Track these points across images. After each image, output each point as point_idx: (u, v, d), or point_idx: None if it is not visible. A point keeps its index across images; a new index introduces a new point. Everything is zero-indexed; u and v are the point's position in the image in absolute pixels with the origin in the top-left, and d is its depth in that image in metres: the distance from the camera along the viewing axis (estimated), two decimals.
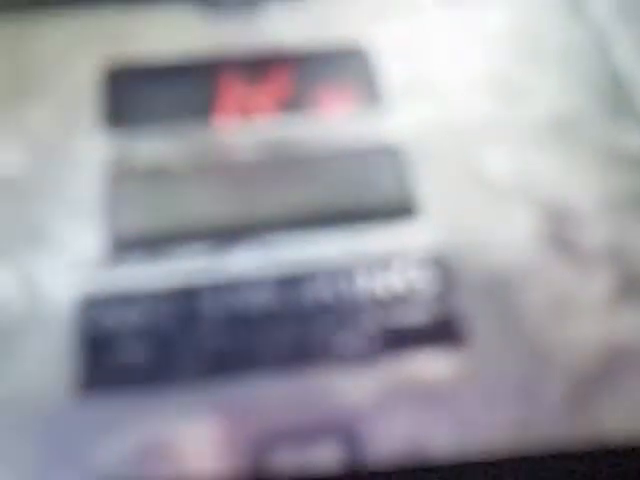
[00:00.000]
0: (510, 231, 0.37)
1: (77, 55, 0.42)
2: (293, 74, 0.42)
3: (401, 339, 0.34)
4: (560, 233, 0.37)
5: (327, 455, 0.32)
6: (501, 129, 0.40)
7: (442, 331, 0.35)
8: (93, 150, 0.39)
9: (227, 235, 0.37)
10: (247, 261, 0.36)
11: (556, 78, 0.42)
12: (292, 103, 0.41)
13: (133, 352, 0.34)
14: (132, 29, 0.44)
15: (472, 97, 0.42)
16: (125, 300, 0.35)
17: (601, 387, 0.33)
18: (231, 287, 0.36)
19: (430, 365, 0.34)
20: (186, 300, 0.35)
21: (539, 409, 0.33)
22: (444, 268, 0.36)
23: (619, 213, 0.38)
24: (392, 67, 0.43)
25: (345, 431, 0.32)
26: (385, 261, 0.36)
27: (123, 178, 0.38)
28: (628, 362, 0.34)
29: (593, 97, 0.42)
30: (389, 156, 0.39)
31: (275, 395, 0.33)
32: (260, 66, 0.43)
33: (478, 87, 0.42)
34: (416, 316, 0.35)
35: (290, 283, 0.36)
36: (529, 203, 0.38)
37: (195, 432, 0.32)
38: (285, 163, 0.39)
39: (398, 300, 0.35)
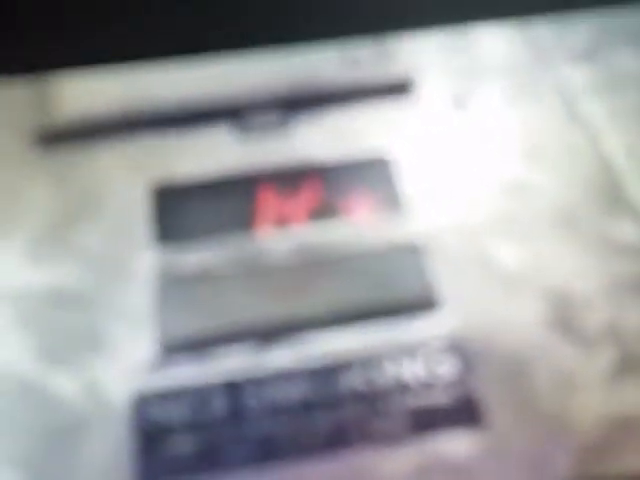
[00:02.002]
0: (521, 317, 0.40)
1: (127, 178, 0.46)
2: (322, 184, 0.46)
3: (426, 421, 0.37)
4: (565, 317, 0.39)
5: None
6: (509, 224, 0.43)
7: (463, 412, 0.37)
8: (144, 262, 0.42)
9: (267, 334, 0.40)
10: (286, 357, 0.39)
11: (557, 176, 0.45)
12: (322, 211, 0.44)
13: (184, 444, 0.36)
14: (175, 152, 0.47)
15: (483, 196, 0.44)
16: (175, 396, 0.38)
17: (605, 456, 0.35)
18: (272, 380, 0.38)
19: (452, 443, 0.36)
20: (230, 393, 0.38)
21: (552, 476, 0.35)
22: (463, 354, 0.39)
23: (618, 296, 0.40)
24: (410, 174, 0.46)
25: None
26: (410, 350, 0.39)
27: (172, 286, 0.41)
28: (630, 432, 0.36)
29: (590, 192, 0.44)
30: (410, 255, 0.42)
31: (317, 477, 0.35)
32: (292, 179, 0.46)
33: (488, 187, 0.45)
34: (439, 399, 0.37)
35: (326, 374, 0.38)
36: (537, 290, 0.40)
37: None
38: (317, 265, 0.42)
39: (423, 385, 0.38)
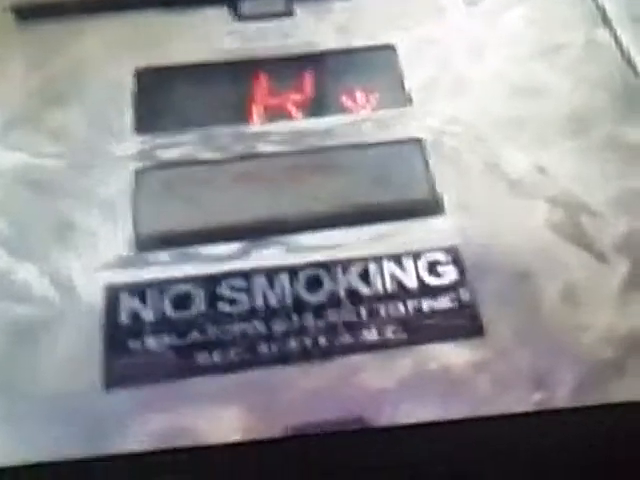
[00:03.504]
0: (528, 225, 0.37)
1: (112, 59, 0.43)
2: (322, 74, 0.43)
3: (422, 328, 0.35)
4: (575, 226, 0.37)
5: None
6: (519, 127, 0.41)
7: (461, 321, 0.35)
8: (124, 150, 0.40)
9: (255, 233, 0.37)
10: (275, 257, 0.37)
11: (573, 78, 0.43)
12: (321, 102, 0.42)
13: (157, 342, 0.34)
14: (166, 34, 0.44)
15: (492, 95, 0.42)
16: (149, 292, 0.36)
17: (609, 379, 0.33)
18: (257, 278, 0.36)
19: (448, 353, 0.34)
20: (210, 290, 0.35)
21: (552, 392, 0.33)
22: (464, 261, 0.36)
23: (632, 206, 0.38)
24: (417, 66, 0.43)
25: (368, 417, 0.32)
26: (409, 254, 0.37)
27: (151, 176, 0.39)
28: (637, 354, 0.34)
29: (608, 95, 0.42)
30: (414, 153, 0.40)
31: (302, 383, 0.33)
32: (290, 67, 0.43)
33: (498, 85, 0.42)
34: (437, 306, 0.35)
35: (317, 273, 0.36)
36: (545, 198, 0.38)
37: (221, 418, 0.32)
38: (313, 159, 0.39)
39: (420, 291, 0.36)
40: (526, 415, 0.32)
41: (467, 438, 0.31)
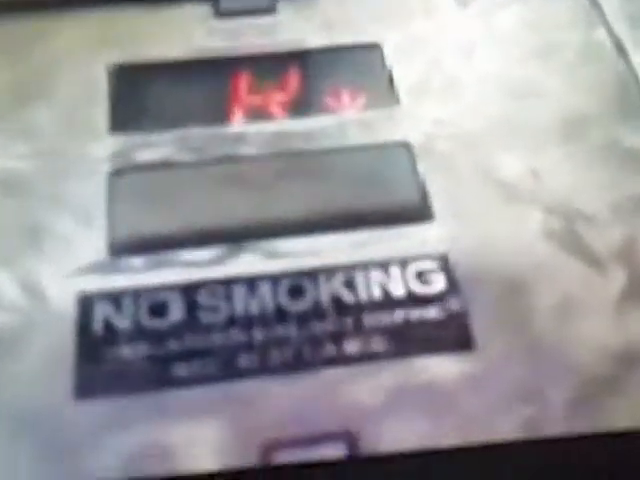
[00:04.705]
0: (522, 232, 0.36)
1: (86, 55, 0.42)
2: (306, 73, 0.42)
3: (409, 339, 0.33)
4: (571, 234, 0.36)
5: (330, 453, 0.31)
6: (512, 130, 0.40)
7: (450, 332, 0.34)
8: (98, 151, 0.39)
9: (234, 238, 0.36)
10: (255, 264, 0.35)
11: (570, 80, 0.42)
12: (305, 102, 0.41)
13: (131, 353, 0.33)
14: (142, 29, 0.43)
15: (485, 97, 0.41)
16: (123, 299, 0.34)
17: (609, 388, 0.32)
18: (237, 285, 0.35)
19: (436, 366, 0.33)
20: (188, 298, 0.34)
21: (544, 410, 0.32)
22: (454, 269, 0.35)
23: (629, 214, 0.37)
24: (405, 66, 0.42)
25: (351, 432, 0.31)
26: (396, 263, 0.36)
27: (126, 178, 0.38)
28: (635, 369, 0.33)
29: (606, 98, 0.41)
30: (402, 156, 0.39)
31: (283, 395, 0.32)
32: (272, 65, 0.42)
33: (491, 87, 0.41)
34: (425, 317, 0.34)
35: (304, 283, 0.35)
36: (540, 204, 0.37)
37: (198, 432, 0.31)
38: (296, 161, 0.38)
39: (408, 301, 0.34)
40: (518, 442, 0.31)
41: (457, 467, 0.30)
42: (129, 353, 0.33)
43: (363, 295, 0.34)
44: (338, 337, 0.33)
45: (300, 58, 0.42)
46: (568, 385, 0.32)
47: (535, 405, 0.32)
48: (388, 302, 0.34)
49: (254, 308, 0.34)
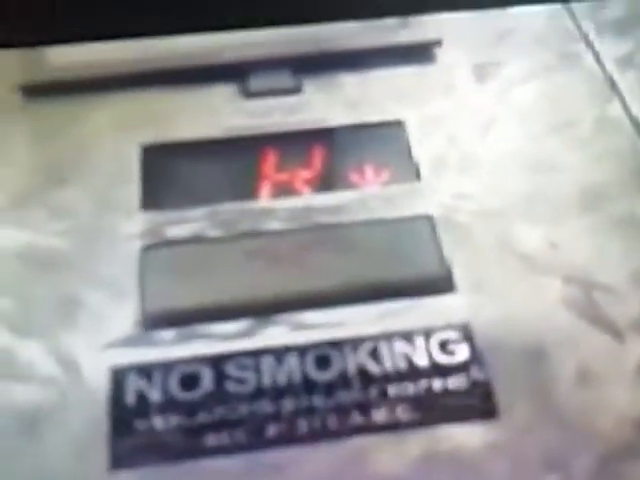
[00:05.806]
0: (542, 303, 0.37)
1: (117, 136, 0.43)
2: (330, 150, 0.43)
3: (435, 408, 0.34)
4: (591, 305, 0.37)
5: None
6: (531, 203, 0.40)
7: (475, 401, 0.34)
8: (130, 228, 0.40)
9: (262, 311, 0.37)
10: (282, 336, 0.36)
11: (586, 154, 0.42)
12: (330, 179, 0.42)
13: (164, 424, 0.34)
14: (171, 111, 0.44)
15: (503, 171, 0.42)
16: (155, 372, 0.35)
17: (629, 455, 0.32)
18: (265, 357, 0.35)
19: (461, 434, 0.33)
20: (217, 370, 0.35)
21: (568, 478, 0.32)
22: (478, 339, 0.36)
23: None
24: (426, 142, 0.43)
25: None
26: (420, 333, 0.36)
27: (157, 254, 0.38)
28: None
29: (621, 172, 0.41)
30: (425, 230, 0.39)
31: (313, 464, 0.32)
32: (298, 143, 0.43)
33: (509, 161, 0.42)
34: (450, 386, 0.34)
35: (327, 353, 0.35)
36: (560, 276, 0.38)
37: None
38: (321, 236, 0.39)
39: (433, 371, 0.35)
40: None
41: None
42: (161, 424, 0.33)
43: (388, 365, 0.35)
44: (364, 406, 0.34)
45: (325, 136, 0.43)
46: (590, 453, 0.32)
47: (559, 473, 0.32)
48: (413, 372, 0.35)
49: (282, 379, 0.35)
